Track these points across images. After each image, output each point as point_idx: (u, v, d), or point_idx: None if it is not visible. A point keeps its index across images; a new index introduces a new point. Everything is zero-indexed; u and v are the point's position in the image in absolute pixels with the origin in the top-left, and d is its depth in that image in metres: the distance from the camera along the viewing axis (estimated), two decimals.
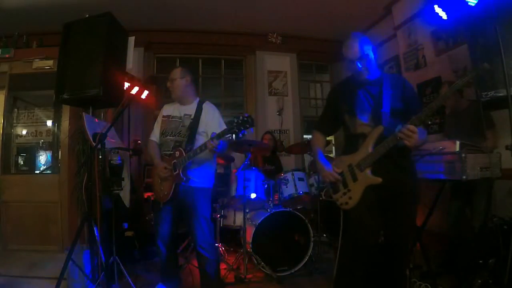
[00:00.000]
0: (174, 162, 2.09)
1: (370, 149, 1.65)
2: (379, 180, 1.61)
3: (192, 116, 2.19)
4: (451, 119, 2.83)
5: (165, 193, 2.12)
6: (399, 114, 1.65)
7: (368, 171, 1.65)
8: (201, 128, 2.17)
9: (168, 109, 2.33)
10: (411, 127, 1.48)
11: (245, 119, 1.87)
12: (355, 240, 1.73)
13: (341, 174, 1.75)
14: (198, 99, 2.30)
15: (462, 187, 2.41)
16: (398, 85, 1.73)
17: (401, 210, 1.66)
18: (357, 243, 1.71)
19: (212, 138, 1.93)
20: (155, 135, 2.32)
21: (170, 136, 2.20)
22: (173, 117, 2.26)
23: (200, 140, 2.13)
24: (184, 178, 2.07)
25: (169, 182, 2.11)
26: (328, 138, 2.10)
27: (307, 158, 4.79)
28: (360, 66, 1.68)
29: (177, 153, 2.09)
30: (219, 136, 1.93)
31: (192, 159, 2.06)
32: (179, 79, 2.23)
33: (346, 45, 1.72)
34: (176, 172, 2.07)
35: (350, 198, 1.71)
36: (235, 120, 1.89)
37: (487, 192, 2.34)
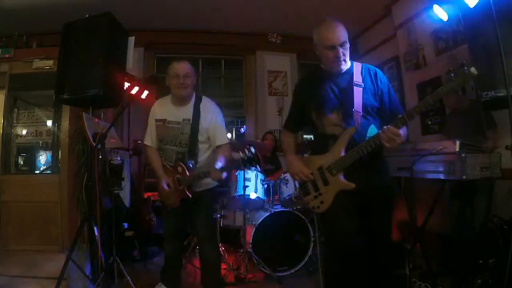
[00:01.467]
0: (178, 177, 2.04)
1: (341, 153, 1.52)
2: (352, 185, 1.51)
3: (191, 121, 2.06)
4: (452, 119, 2.82)
5: (172, 202, 2.09)
6: (373, 113, 1.55)
7: (340, 176, 1.54)
8: (201, 136, 2.07)
9: (162, 111, 2.15)
10: (395, 130, 1.36)
11: (251, 156, 1.82)
12: (337, 243, 1.62)
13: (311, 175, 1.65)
14: (194, 95, 2.15)
15: (462, 187, 2.40)
16: (370, 78, 1.59)
17: (379, 213, 1.58)
18: (340, 246, 1.60)
19: (216, 170, 1.89)
20: (151, 140, 2.18)
21: (170, 145, 2.10)
22: (169, 122, 2.10)
23: (203, 149, 2.09)
24: (190, 195, 2.03)
25: (175, 195, 2.07)
26: (308, 137, 2.03)
27: None
28: (341, 53, 1.53)
29: (180, 168, 2.03)
30: (223, 169, 1.90)
31: (196, 181, 2.02)
32: (192, 77, 2.10)
33: (324, 29, 1.54)
34: (181, 187, 2.03)
35: (321, 202, 1.61)
36: (241, 156, 1.83)
37: (487, 192, 2.34)
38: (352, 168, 1.51)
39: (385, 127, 1.39)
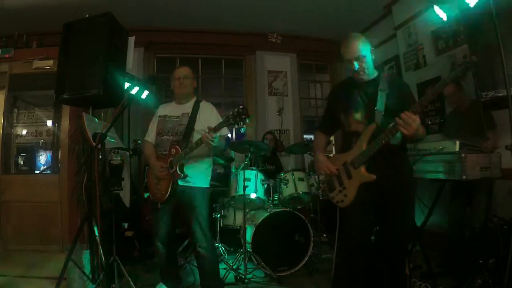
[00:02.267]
0: (171, 160, 2.08)
1: (364, 147, 1.66)
2: (373, 177, 1.62)
3: (190, 114, 2.19)
4: (452, 119, 2.82)
5: (163, 192, 2.11)
6: (393, 112, 1.63)
7: (362, 168, 1.66)
8: (198, 125, 2.16)
9: (164, 109, 2.33)
10: (411, 114, 1.45)
11: (240, 110, 1.87)
12: (349, 238, 1.75)
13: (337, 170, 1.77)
14: (195, 98, 2.31)
15: (462, 187, 2.41)
16: (395, 84, 1.74)
17: (397, 209, 1.66)
18: (351, 241, 1.73)
19: (208, 131, 1.92)
20: (150, 136, 2.32)
21: (166, 135, 2.20)
22: (169, 116, 2.25)
23: (197, 137, 2.11)
24: (182, 175, 2.06)
25: (166, 181, 2.10)
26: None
27: (307, 158, 4.79)
28: (357, 66, 1.68)
29: (173, 150, 2.09)
30: (215, 129, 1.93)
31: (188, 154, 2.04)
32: (191, 78, 2.27)
33: (344, 44, 1.73)
34: (173, 169, 2.07)
35: (345, 195, 1.72)
36: (231, 113, 1.89)
37: (487, 192, 2.34)
38: (373, 165, 1.63)
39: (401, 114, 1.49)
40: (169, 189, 2.09)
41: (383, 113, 1.65)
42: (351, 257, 1.72)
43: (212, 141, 1.92)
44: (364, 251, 1.69)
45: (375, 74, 1.77)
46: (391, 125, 1.56)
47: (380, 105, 1.66)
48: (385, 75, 1.82)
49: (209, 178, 2.25)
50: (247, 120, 1.90)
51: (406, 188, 1.70)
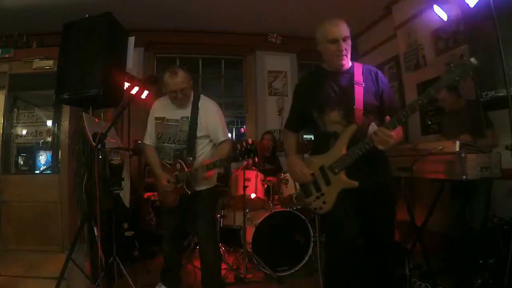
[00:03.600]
0: (176, 174, 2.05)
1: (343, 151, 1.52)
2: (355, 184, 1.50)
3: (189, 118, 2.07)
4: (448, 119, 2.82)
5: (171, 200, 2.10)
6: (373, 111, 1.56)
7: (342, 175, 1.53)
8: (200, 132, 2.08)
9: (161, 109, 2.17)
10: (387, 131, 1.36)
11: (249, 147, 1.83)
12: (336, 244, 1.63)
13: (311, 176, 1.63)
14: (192, 94, 2.14)
15: (461, 187, 2.40)
16: (371, 77, 1.60)
17: (381, 212, 1.57)
18: (339, 248, 1.60)
19: (209, 169, 1.93)
20: (150, 139, 2.20)
21: (168, 143, 2.11)
22: (168, 120, 2.12)
23: (201, 145, 2.10)
24: (189, 192, 2.04)
25: (174, 193, 2.08)
26: (308, 137, 2.04)
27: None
28: (343, 47, 1.54)
29: (178, 165, 2.05)
30: (219, 165, 1.94)
31: (193, 176, 2.02)
32: (188, 88, 2.05)
33: (330, 22, 1.57)
34: (180, 185, 2.04)
35: (324, 202, 1.60)
36: (239, 147, 1.85)
37: (486, 192, 2.34)
38: (353, 167, 1.51)
39: (377, 128, 1.40)
40: (177, 199, 2.08)
41: (363, 112, 1.52)
42: (341, 263, 1.59)
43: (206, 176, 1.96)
44: (353, 255, 1.57)
45: (349, 63, 1.62)
46: (368, 135, 1.44)
47: (359, 102, 1.52)
48: (359, 64, 1.66)
49: (215, 177, 2.23)
50: (256, 158, 1.89)
51: (387, 187, 1.61)
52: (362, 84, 1.56)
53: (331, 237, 1.70)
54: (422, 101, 1.34)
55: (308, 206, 1.69)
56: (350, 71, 1.61)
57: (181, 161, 2.04)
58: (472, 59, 1.25)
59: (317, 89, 1.64)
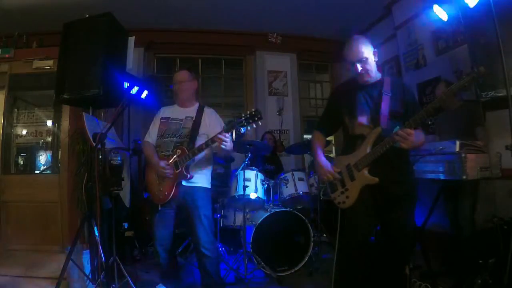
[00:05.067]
0: (176, 160, 2.07)
1: (368, 150, 1.67)
2: (375, 180, 1.64)
3: (194, 118, 2.19)
4: (442, 118, 2.81)
5: (165, 193, 2.09)
6: (397, 117, 1.68)
7: (365, 171, 1.68)
8: (202, 130, 2.17)
9: (167, 112, 2.31)
10: (407, 129, 1.51)
11: (254, 112, 1.88)
12: (350, 239, 1.77)
13: (339, 173, 1.78)
14: (198, 103, 2.31)
15: (450, 189, 2.38)
16: (398, 88, 1.75)
17: (398, 211, 1.68)
18: (352, 242, 1.75)
19: (221, 132, 1.94)
20: (151, 137, 2.28)
21: (169, 137, 2.18)
22: (173, 119, 2.24)
23: (201, 141, 2.11)
24: (188, 175, 2.06)
25: (170, 182, 2.08)
26: (328, 138, 2.12)
27: (307, 158, 4.79)
28: (359, 68, 1.70)
29: (179, 151, 2.08)
30: (228, 129, 1.94)
31: (196, 155, 2.05)
32: (188, 82, 2.25)
33: (347, 46, 1.74)
34: (179, 170, 2.06)
35: (347, 197, 1.75)
36: (243, 115, 1.90)
37: (471, 195, 2.33)
38: (376, 166, 1.65)
39: (399, 128, 1.55)
40: (173, 189, 2.07)
41: (388, 117, 1.67)
42: (352, 258, 1.74)
43: (226, 142, 1.93)
44: (364, 251, 1.72)
45: (378, 76, 1.78)
46: (390, 135, 1.58)
47: (385, 109, 1.68)
48: (389, 77, 1.83)
49: (210, 179, 2.26)
50: (259, 123, 1.90)
51: (408, 189, 1.71)
52: (390, 94, 1.71)
53: (343, 230, 1.83)
54: (435, 105, 1.50)
55: (333, 201, 1.85)
56: (380, 83, 1.77)
57: (182, 147, 2.09)
58: (481, 68, 1.42)
59: (350, 97, 1.81)
